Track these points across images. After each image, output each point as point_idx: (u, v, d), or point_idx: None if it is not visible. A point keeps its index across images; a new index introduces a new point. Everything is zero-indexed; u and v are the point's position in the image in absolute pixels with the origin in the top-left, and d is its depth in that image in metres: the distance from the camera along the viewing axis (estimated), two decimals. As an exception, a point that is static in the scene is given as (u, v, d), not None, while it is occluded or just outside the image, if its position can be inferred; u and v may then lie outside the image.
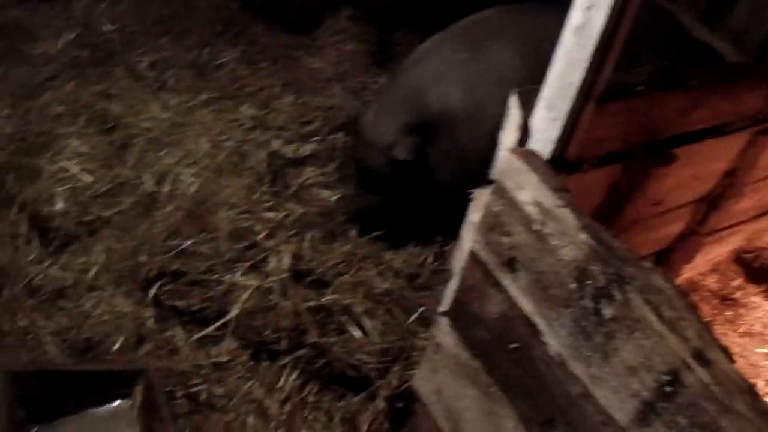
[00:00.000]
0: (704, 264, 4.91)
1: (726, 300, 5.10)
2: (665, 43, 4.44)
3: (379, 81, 6.30)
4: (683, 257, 4.30)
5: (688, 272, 4.71)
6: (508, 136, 2.79)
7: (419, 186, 4.82)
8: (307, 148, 5.47)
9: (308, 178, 5.26)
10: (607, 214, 3.33)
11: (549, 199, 2.56)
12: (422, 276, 4.78)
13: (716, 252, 4.78)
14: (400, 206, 4.95)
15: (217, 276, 4.40)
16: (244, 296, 4.28)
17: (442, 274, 4.77)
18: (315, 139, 5.58)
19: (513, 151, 2.73)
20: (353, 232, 4.98)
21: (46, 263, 4.46)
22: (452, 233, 4.48)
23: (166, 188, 4.89)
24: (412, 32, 7.01)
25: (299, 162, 5.40)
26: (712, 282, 5.18)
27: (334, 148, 5.54)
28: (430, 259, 4.90)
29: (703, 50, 4.56)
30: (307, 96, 5.97)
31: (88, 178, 4.91)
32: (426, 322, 4.36)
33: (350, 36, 6.62)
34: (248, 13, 6.75)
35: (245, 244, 4.61)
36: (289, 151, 5.40)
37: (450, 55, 4.66)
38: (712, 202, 3.98)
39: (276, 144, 5.42)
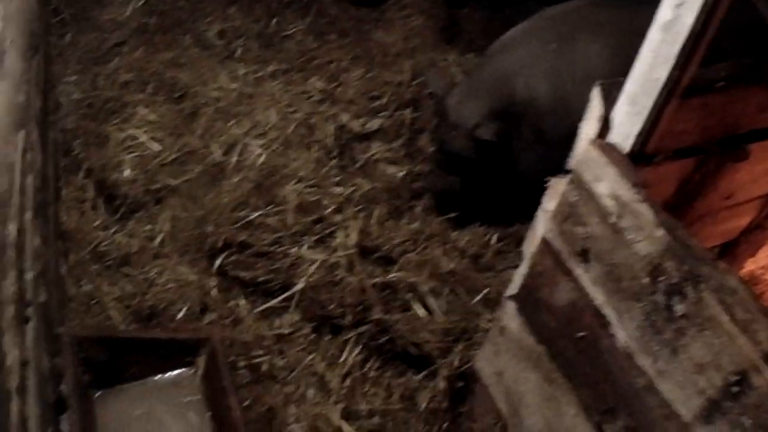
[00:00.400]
0: (766, 257, 4.87)
1: (786, 295, 5.04)
2: (747, 33, 4.38)
3: (448, 58, 6.23)
4: (748, 250, 4.25)
5: (750, 265, 4.67)
6: (589, 128, 2.78)
7: (500, 171, 4.81)
8: (374, 123, 5.46)
9: (375, 153, 5.26)
10: (678, 207, 3.31)
11: (627, 193, 2.56)
12: (486, 256, 4.76)
13: (779, 246, 4.74)
14: (480, 189, 4.94)
15: (283, 248, 4.44)
16: (311, 270, 4.32)
17: (506, 255, 4.79)
18: (383, 114, 5.55)
19: (593, 143, 2.72)
20: (419, 209, 4.98)
21: (112, 230, 4.54)
22: (524, 218, 4.52)
23: (233, 159, 4.94)
24: (480, 9, 6.97)
25: (366, 137, 5.40)
26: (773, 276, 5.12)
27: (402, 124, 5.51)
28: (494, 240, 4.87)
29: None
30: (376, 70, 5.94)
31: (155, 147, 4.97)
32: (489, 303, 4.38)
33: (419, 11, 6.57)
34: (317, -16, 6.73)
35: (312, 217, 4.63)
36: (357, 125, 5.40)
37: (539, 45, 4.64)
38: (781, 197, 3.95)
39: (344, 118, 5.42)
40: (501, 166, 4.79)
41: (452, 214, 4.94)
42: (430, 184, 5.10)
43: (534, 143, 4.68)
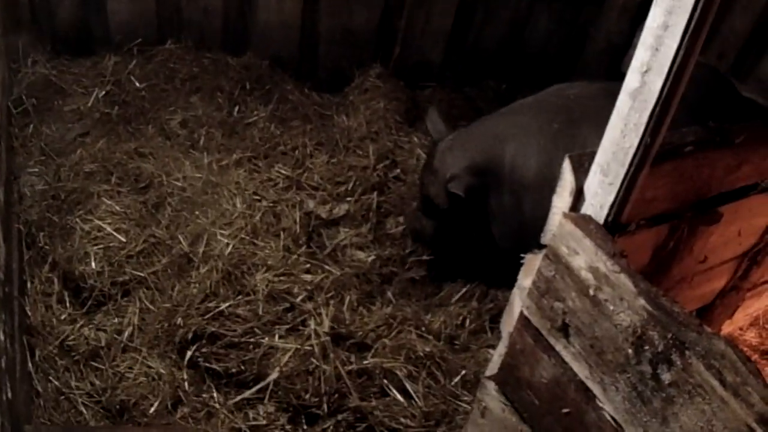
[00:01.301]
0: (743, 318, 4.86)
1: (766, 354, 5.02)
2: (711, 98, 4.40)
3: (412, 140, 6.27)
4: (725, 313, 4.25)
5: (727, 327, 4.66)
6: (561, 201, 2.77)
7: (471, 227, 4.85)
8: (341, 209, 5.46)
9: (344, 239, 5.26)
10: (654, 274, 3.29)
11: (605, 265, 2.53)
12: (461, 337, 4.74)
13: (756, 306, 4.72)
14: (451, 239, 5.00)
15: (255, 339, 4.36)
16: (284, 359, 4.25)
17: (480, 335, 4.76)
18: (349, 199, 5.57)
19: (566, 216, 2.70)
20: (390, 294, 4.97)
21: (79, 323, 4.45)
22: (495, 284, 4.47)
23: (201, 249, 4.86)
24: (440, 89, 7.01)
25: (334, 222, 5.41)
26: (751, 336, 5.10)
27: (369, 209, 5.52)
28: (468, 320, 4.85)
29: (745, 103, 4.53)
30: (341, 155, 5.96)
31: (121, 238, 4.88)
32: (468, 384, 4.33)
33: (380, 94, 6.59)
34: (278, 71, 6.73)
35: (283, 306, 4.57)
36: (323, 211, 5.39)
37: (542, 120, 4.64)
38: (754, 257, 3.95)
39: (311, 204, 5.41)
40: (472, 223, 4.84)
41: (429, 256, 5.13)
42: (407, 223, 5.28)
43: (512, 212, 4.67)
